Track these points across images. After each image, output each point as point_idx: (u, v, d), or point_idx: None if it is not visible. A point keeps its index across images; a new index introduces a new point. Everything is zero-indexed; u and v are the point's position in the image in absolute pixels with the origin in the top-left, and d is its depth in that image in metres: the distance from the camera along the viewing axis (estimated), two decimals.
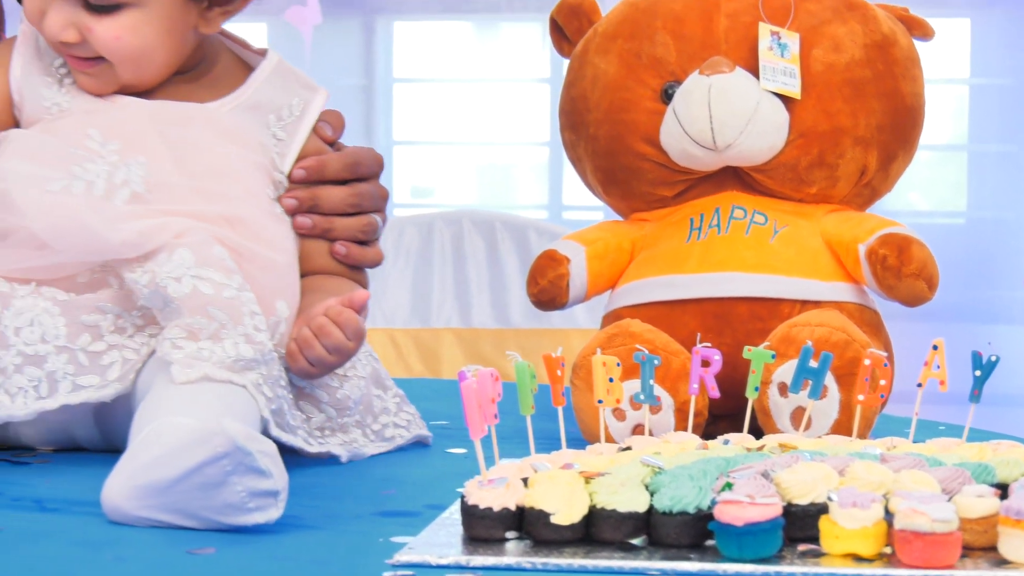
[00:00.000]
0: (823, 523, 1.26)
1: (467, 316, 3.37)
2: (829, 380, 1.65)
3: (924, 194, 4.16)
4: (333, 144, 1.78)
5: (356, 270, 1.79)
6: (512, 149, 4.28)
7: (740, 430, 1.58)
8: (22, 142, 1.67)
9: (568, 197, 4.11)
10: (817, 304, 1.79)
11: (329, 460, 1.65)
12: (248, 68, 1.78)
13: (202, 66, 1.75)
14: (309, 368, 1.61)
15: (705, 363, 1.59)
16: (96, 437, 1.68)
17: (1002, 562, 1.23)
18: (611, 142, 1.91)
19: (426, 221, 3.45)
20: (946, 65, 3.96)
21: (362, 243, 1.78)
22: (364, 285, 1.79)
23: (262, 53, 1.79)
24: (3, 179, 1.63)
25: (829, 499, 1.27)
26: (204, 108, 1.72)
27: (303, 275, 1.73)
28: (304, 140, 1.75)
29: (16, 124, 1.71)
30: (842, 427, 1.66)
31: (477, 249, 3.40)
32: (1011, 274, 3.73)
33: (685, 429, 1.63)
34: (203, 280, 1.55)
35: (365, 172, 1.78)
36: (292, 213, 1.73)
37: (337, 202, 1.75)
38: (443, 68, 4.30)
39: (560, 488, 1.30)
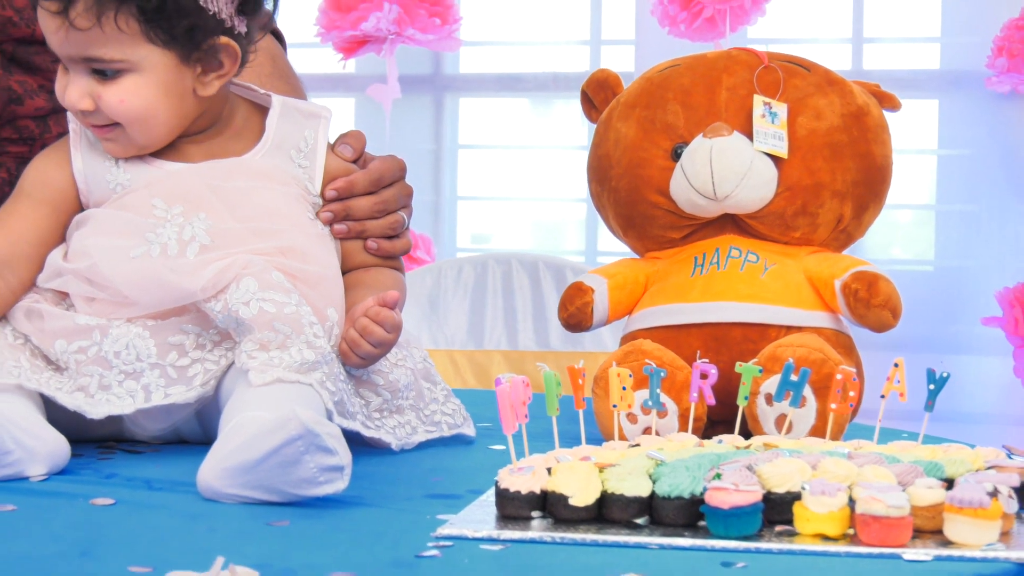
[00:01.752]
0: (796, 508, 1.26)
1: (514, 340, 3.36)
2: (807, 392, 1.64)
3: (901, 247, 4.14)
4: (357, 160, 1.77)
5: (391, 258, 1.78)
6: (556, 204, 4.27)
7: (733, 433, 1.57)
8: (101, 220, 1.67)
9: (602, 245, 4.11)
10: (800, 329, 1.78)
11: (387, 452, 1.65)
12: (260, 110, 1.76)
13: (222, 121, 1.73)
14: (360, 362, 1.62)
15: (703, 376, 1.59)
16: (198, 432, 1.68)
17: (947, 543, 1.22)
18: (629, 193, 1.90)
19: (481, 261, 3.45)
20: (918, 138, 3.94)
21: (392, 237, 1.78)
22: (400, 270, 1.80)
23: (267, 95, 1.78)
24: (90, 254, 1.63)
25: (803, 488, 1.27)
26: (242, 160, 1.71)
27: (346, 271, 1.74)
28: (323, 163, 1.74)
29: (83, 209, 1.70)
30: (818, 431, 1.64)
31: (523, 284, 3.39)
32: (970, 312, 3.70)
33: (687, 431, 1.62)
34: (267, 301, 1.56)
35: (389, 181, 1.78)
36: (328, 223, 1.73)
37: (366, 210, 1.75)
38: (499, 136, 4.30)
39: (577, 475, 1.30)
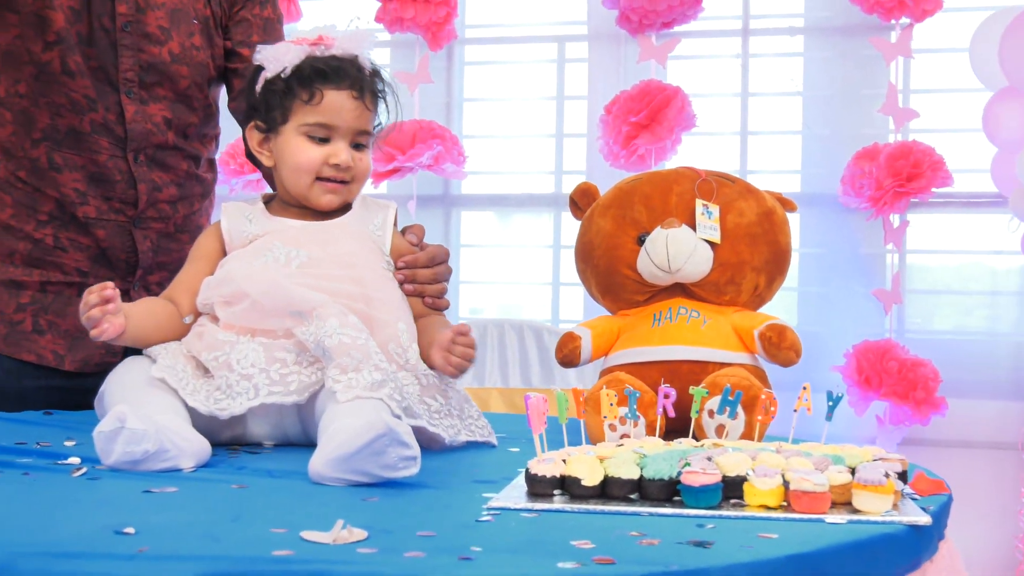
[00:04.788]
0: (746, 487, 1.25)
1: (506, 380, 3.35)
2: (739, 408, 1.63)
3: (779, 313, 4.15)
4: (418, 244, 1.85)
5: (439, 310, 1.83)
6: (527, 287, 4.26)
7: (687, 438, 1.55)
8: (237, 254, 1.74)
9: (563, 315, 4.10)
10: (730, 364, 1.77)
11: (443, 451, 1.63)
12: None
13: None
14: (456, 372, 1.67)
15: (666, 396, 1.57)
16: (301, 435, 1.66)
17: (855, 511, 1.22)
18: (607, 268, 1.89)
19: (482, 323, 3.44)
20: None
21: (439, 297, 1.84)
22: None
23: None
24: (229, 273, 1.70)
25: (749, 472, 1.26)
26: (338, 221, 1.79)
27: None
28: (391, 235, 1.81)
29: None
30: (746, 436, 1.63)
31: (512, 340, 3.38)
32: (824, 363, 3.70)
33: (654, 436, 1.60)
34: (345, 335, 1.56)
35: (439, 260, 1.85)
36: (400, 283, 1.79)
37: (425, 278, 1.81)
38: (490, 238, 4.30)
39: (586, 464, 1.29)
